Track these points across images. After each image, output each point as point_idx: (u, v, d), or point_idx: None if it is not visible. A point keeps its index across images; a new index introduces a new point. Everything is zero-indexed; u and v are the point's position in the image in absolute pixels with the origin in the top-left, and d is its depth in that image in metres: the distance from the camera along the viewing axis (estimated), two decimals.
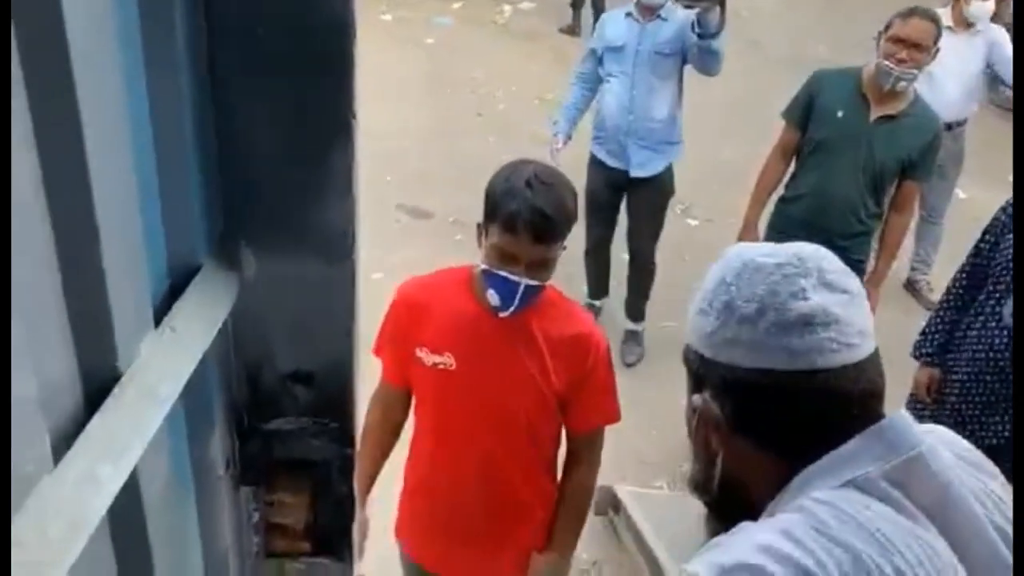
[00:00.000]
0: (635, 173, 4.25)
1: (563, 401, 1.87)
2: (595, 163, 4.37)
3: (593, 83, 4.37)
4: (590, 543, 3.44)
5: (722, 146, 6.28)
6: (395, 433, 2.08)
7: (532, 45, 8.13)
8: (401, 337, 1.92)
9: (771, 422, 0.93)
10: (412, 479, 2.10)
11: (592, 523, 3.44)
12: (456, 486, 1.98)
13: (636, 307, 4.54)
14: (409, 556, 2.18)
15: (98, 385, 0.85)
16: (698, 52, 3.84)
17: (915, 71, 3.31)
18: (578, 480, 1.95)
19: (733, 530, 0.89)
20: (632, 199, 4.37)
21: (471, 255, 5.48)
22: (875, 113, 3.45)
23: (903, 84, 3.33)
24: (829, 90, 3.52)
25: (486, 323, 1.82)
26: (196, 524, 1.19)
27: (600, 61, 4.29)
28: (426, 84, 7.18)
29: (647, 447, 4.01)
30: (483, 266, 1.77)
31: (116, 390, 0.85)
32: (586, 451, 1.94)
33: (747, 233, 3.77)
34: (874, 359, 0.93)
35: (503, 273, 1.74)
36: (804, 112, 3.55)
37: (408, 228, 5.46)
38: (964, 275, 2.95)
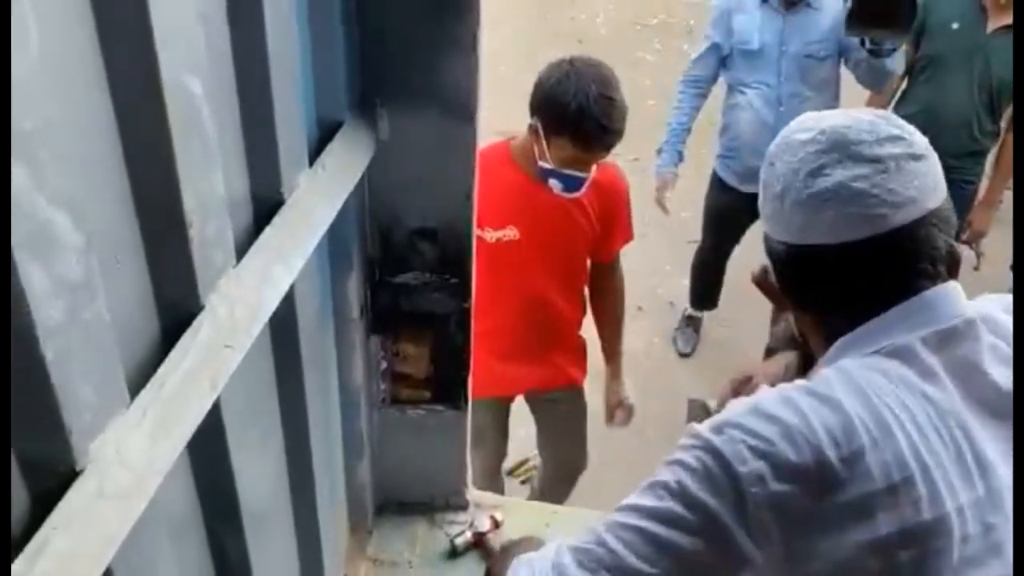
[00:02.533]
0: None
1: (599, 239, 2.20)
2: (721, 185, 3.47)
3: (708, 88, 3.38)
4: None
5: None
6: None
7: None
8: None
9: (807, 290, 0.96)
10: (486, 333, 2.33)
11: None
12: (513, 325, 2.22)
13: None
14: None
15: (267, 205, 0.99)
16: (867, 68, 3.03)
17: None
18: (614, 289, 2.31)
19: (755, 393, 0.93)
20: None
21: None
22: (993, 24, 3.25)
23: None
24: (943, 2, 3.38)
25: (542, 196, 2.01)
26: (335, 358, 1.35)
27: (724, 62, 3.27)
28: (525, 10, 7.17)
29: (740, 366, 4.04)
30: (546, 165, 1.93)
31: (283, 210, 0.99)
32: (614, 269, 2.31)
33: None
34: (914, 228, 0.90)
35: (570, 172, 1.93)
36: (917, 27, 3.41)
37: None
38: None
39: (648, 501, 0.87)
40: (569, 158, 1.91)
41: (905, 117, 3.31)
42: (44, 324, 0.61)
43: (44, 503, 0.65)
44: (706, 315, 3.93)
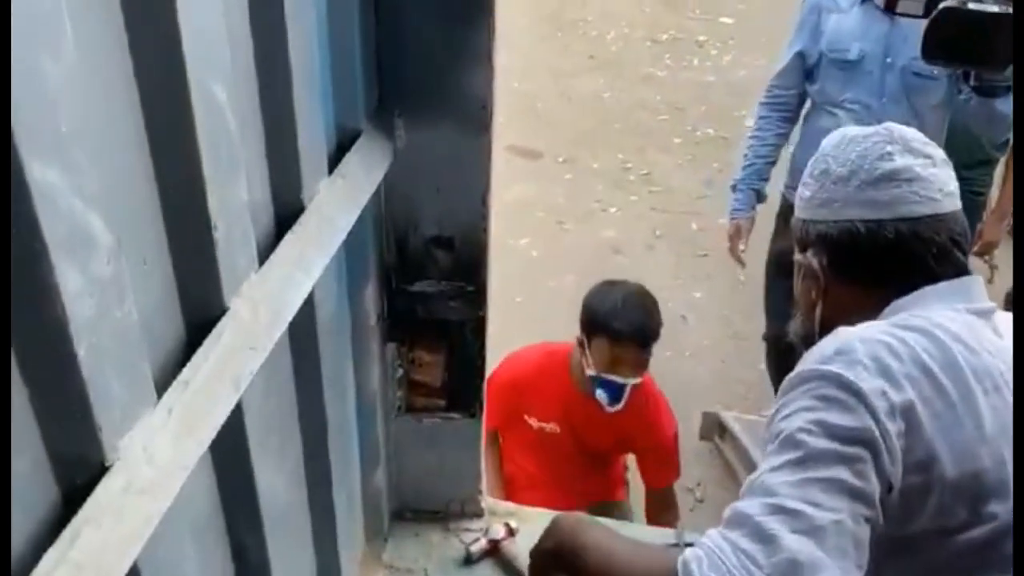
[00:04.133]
0: None
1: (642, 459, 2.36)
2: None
3: (796, 110, 2.71)
4: (695, 465, 3.54)
5: None
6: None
7: None
8: (515, 406, 2.29)
9: (864, 264, 1.05)
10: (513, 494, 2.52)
11: (698, 448, 3.54)
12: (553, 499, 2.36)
13: None
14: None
15: (288, 212, 1.01)
16: (976, 107, 2.41)
17: None
18: (663, 512, 2.35)
19: (831, 335, 0.99)
20: None
21: (579, 193, 5.49)
22: None
23: None
24: None
25: (589, 406, 2.15)
26: (352, 364, 1.36)
27: (810, 74, 2.61)
28: (538, 27, 7.23)
29: (753, 378, 4.05)
30: (591, 372, 2.08)
31: (303, 217, 1.01)
32: (663, 499, 2.37)
33: None
34: (956, 216, 1.05)
35: (612, 377, 2.07)
36: None
37: (519, 168, 5.59)
38: None
39: (791, 454, 0.84)
40: (607, 359, 2.06)
41: None
42: (76, 321, 0.63)
43: (74, 497, 0.67)
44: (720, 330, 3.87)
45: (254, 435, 0.96)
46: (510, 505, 1.87)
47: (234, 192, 0.86)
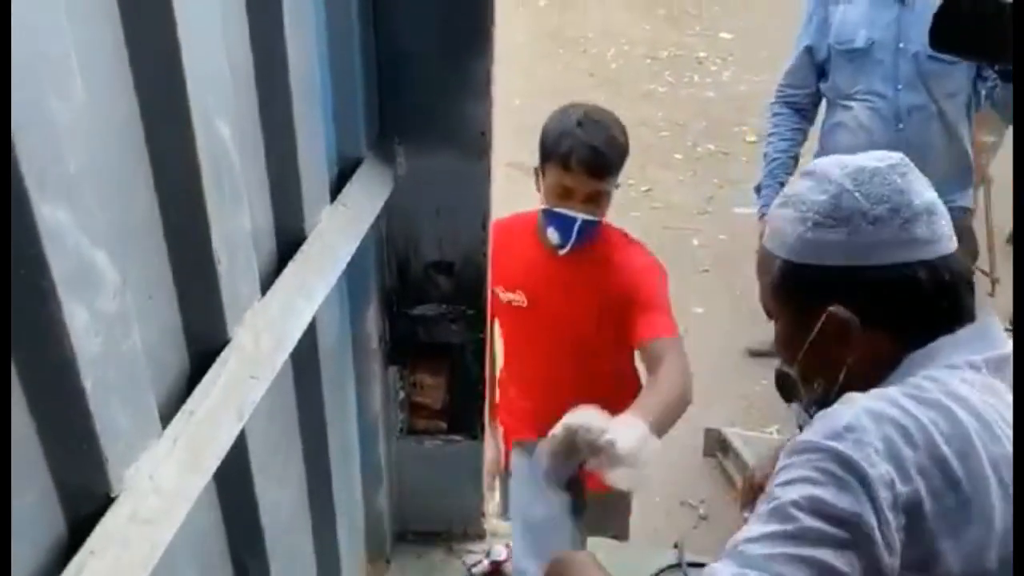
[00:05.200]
0: None
1: (623, 323, 1.88)
2: None
3: (811, 109, 2.66)
4: (698, 483, 3.54)
5: None
6: None
7: (643, 4, 8.10)
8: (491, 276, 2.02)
9: (894, 312, 0.97)
10: (508, 384, 2.22)
11: (700, 464, 3.54)
12: (547, 391, 2.03)
13: None
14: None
15: (290, 240, 1.03)
16: (1001, 94, 2.40)
17: None
18: (662, 379, 1.73)
19: (842, 399, 0.93)
20: None
21: None
22: None
23: None
24: None
25: (551, 264, 1.87)
26: (354, 388, 1.38)
27: (822, 70, 2.55)
28: (538, 45, 7.29)
29: (755, 394, 4.05)
30: (543, 206, 1.82)
31: (305, 245, 1.03)
32: (657, 356, 1.77)
33: None
34: (962, 256, 1.00)
35: (561, 210, 1.78)
36: None
37: (519, 184, 5.61)
38: None
39: (778, 525, 0.81)
40: (555, 189, 1.78)
41: None
42: (84, 356, 0.64)
43: (80, 528, 0.68)
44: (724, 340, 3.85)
45: (257, 460, 0.98)
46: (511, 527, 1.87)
47: (237, 224, 0.87)
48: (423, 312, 1.44)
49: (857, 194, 0.96)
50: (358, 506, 1.52)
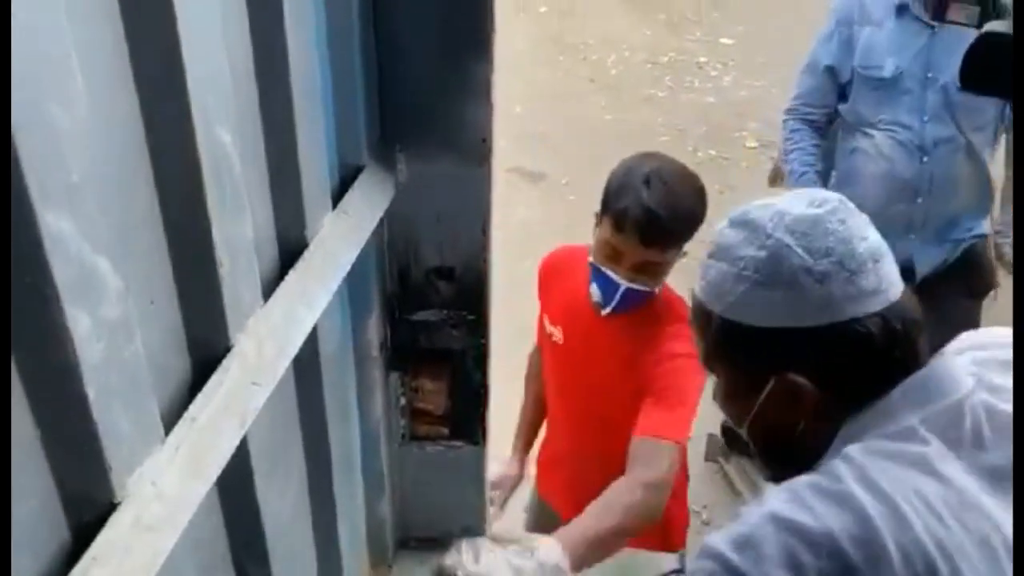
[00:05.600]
0: (923, 271, 2.44)
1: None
2: None
3: (827, 127, 2.58)
4: (700, 488, 3.54)
5: None
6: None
7: (644, 9, 8.12)
8: (541, 299, 1.93)
9: (855, 369, 0.90)
10: (548, 416, 2.15)
11: (702, 469, 3.53)
12: (574, 439, 1.99)
13: None
14: (537, 490, 2.24)
15: (291, 248, 1.04)
16: None
17: None
18: (620, 482, 1.52)
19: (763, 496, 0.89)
20: (927, 301, 1.96)
21: (583, 215, 5.53)
22: None
23: None
24: None
25: (593, 318, 1.73)
26: (355, 395, 1.38)
27: (843, 92, 2.45)
28: (539, 51, 7.30)
29: None
30: (591, 259, 1.68)
31: (307, 252, 1.04)
32: (637, 458, 1.56)
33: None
34: (908, 302, 0.93)
35: (606, 271, 1.63)
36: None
37: (522, 190, 5.62)
38: None
39: None
40: (605, 244, 1.61)
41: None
42: (87, 363, 0.64)
43: (83, 535, 0.69)
44: None
45: (259, 467, 0.98)
46: (515, 532, 1.87)
47: (239, 231, 0.88)
48: (424, 318, 1.45)
49: (799, 249, 0.88)
50: (360, 512, 1.52)
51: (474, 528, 1.71)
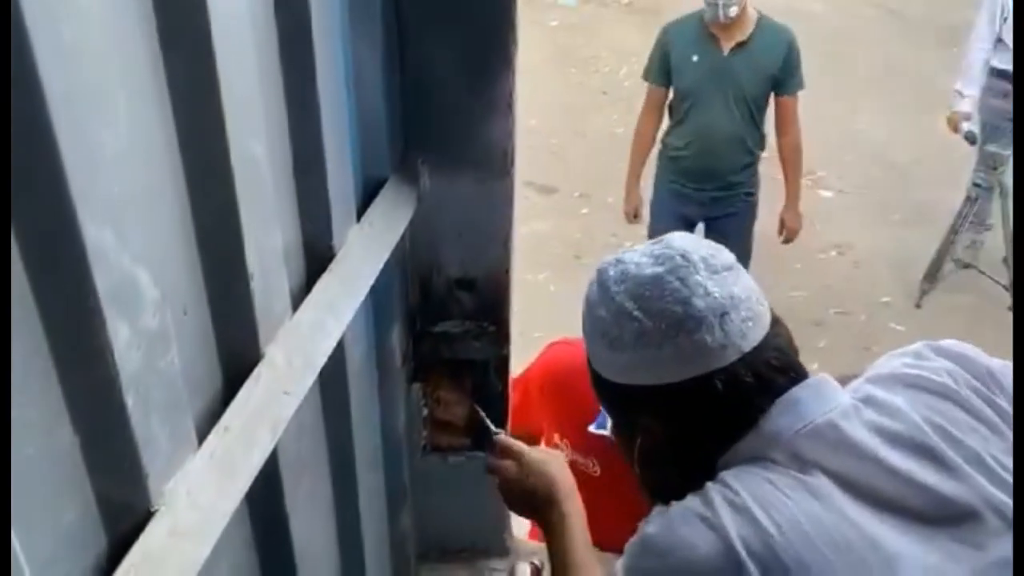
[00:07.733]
0: None
1: None
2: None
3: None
4: None
5: (857, 117, 6.13)
6: None
7: (655, 22, 8.15)
8: (547, 418, 1.75)
9: (706, 422, 0.92)
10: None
11: None
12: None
13: None
14: None
15: (318, 258, 1.05)
16: None
17: None
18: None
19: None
20: None
21: (596, 227, 5.54)
22: (726, 46, 3.49)
23: (733, 10, 3.35)
24: (679, 39, 3.56)
25: None
26: (378, 406, 1.39)
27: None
28: (551, 65, 7.32)
29: None
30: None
31: (333, 264, 1.05)
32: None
33: (630, 203, 3.81)
34: (776, 318, 0.93)
35: None
36: (662, 67, 3.60)
37: (535, 203, 5.63)
38: None
39: None
40: None
41: (681, 149, 3.38)
42: (126, 372, 0.65)
43: (121, 543, 0.69)
44: None
45: (288, 478, 0.99)
46: (535, 544, 1.87)
47: (270, 243, 0.89)
48: (446, 329, 1.45)
49: (637, 313, 0.91)
50: (383, 524, 1.53)
51: (495, 540, 1.72)
